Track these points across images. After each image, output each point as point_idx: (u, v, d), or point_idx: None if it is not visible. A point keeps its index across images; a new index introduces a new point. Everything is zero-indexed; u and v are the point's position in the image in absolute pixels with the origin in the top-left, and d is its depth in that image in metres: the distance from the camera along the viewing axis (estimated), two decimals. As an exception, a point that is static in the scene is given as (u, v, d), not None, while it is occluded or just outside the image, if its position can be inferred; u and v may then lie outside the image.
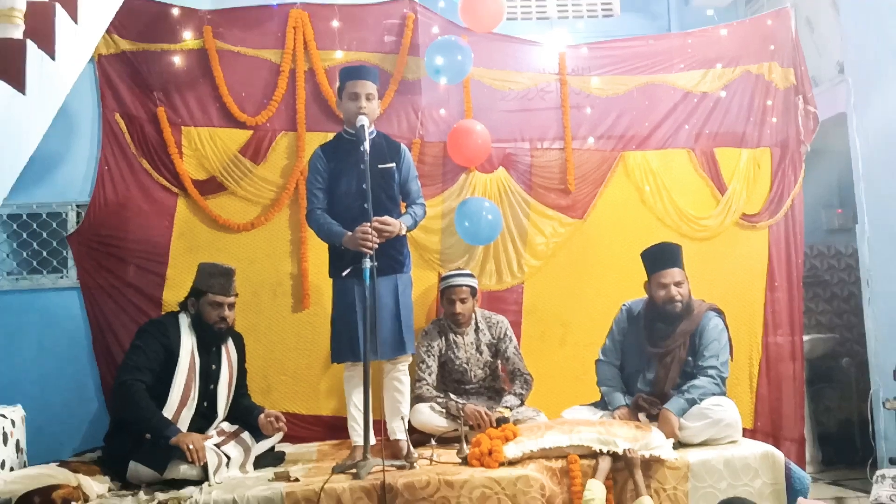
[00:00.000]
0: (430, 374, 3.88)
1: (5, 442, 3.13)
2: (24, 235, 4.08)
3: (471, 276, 3.99)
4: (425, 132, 4.34)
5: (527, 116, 4.47)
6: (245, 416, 3.54)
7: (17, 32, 2.24)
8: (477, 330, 3.99)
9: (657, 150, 4.54)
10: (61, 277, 4.07)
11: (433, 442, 3.65)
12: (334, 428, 4.02)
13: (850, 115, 4.35)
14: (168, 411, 3.23)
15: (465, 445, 3.31)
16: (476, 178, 4.36)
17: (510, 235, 4.36)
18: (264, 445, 3.51)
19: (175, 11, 4.16)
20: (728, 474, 3.26)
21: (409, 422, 3.55)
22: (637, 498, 3.10)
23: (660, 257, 3.69)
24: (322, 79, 4.24)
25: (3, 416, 3.18)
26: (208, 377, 3.44)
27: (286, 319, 4.17)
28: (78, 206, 4.10)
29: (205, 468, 3.05)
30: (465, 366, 3.94)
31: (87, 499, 2.93)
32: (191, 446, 3.03)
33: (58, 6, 2.43)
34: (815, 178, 4.82)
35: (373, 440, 3.22)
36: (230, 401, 3.56)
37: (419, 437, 3.67)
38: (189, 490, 2.97)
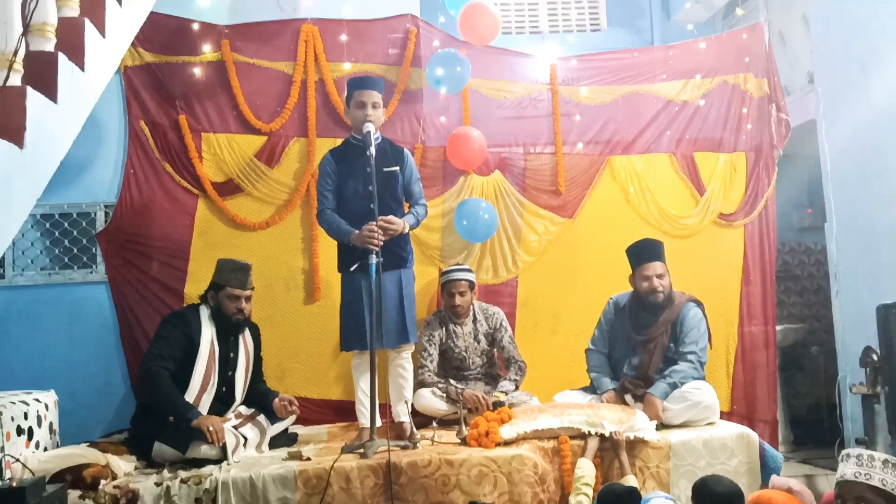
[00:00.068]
0: (431, 362, 3.88)
1: (39, 424, 3.13)
2: (56, 234, 4.08)
3: (469, 270, 3.99)
4: (427, 138, 4.34)
5: (521, 123, 4.46)
6: (261, 400, 3.55)
7: (50, 46, 2.23)
8: (475, 321, 3.99)
9: (641, 155, 4.53)
10: (90, 272, 4.07)
11: (434, 424, 3.65)
12: (343, 411, 4.01)
13: (819, 122, 4.34)
14: (190, 396, 3.24)
15: (463, 427, 3.32)
16: (474, 180, 4.35)
17: (505, 233, 4.36)
18: (279, 427, 3.51)
19: (195, 26, 4.14)
20: (707, 454, 3.27)
21: (413, 405, 3.55)
22: (623, 476, 3.11)
23: (643, 252, 3.71)
24: (331, 88, 4.23)
25: (38, 400, 3.18)
26: (227, 364, 3.44)
27: (298, 311, 4.17)
28: (106, 206, 4.09)
29: (224, 448, 3.05)
30: (463, 354, 3.94)
31: (115, 476, 2.94)
32: (211, 428, 3.04)
33: (87, 21, 2.43)
34: (787, 180, 4.82)
35: (379, 422, 3.22)
36: (247, 386, 3.56)
37: (421, 419, 3.67)
38: (209, 468, 2.98)
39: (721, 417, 3.57)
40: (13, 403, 2.96)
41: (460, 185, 4.35)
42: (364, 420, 3.34)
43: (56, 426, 3.36)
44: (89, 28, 2.44)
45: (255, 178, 4.16)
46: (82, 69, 2.39)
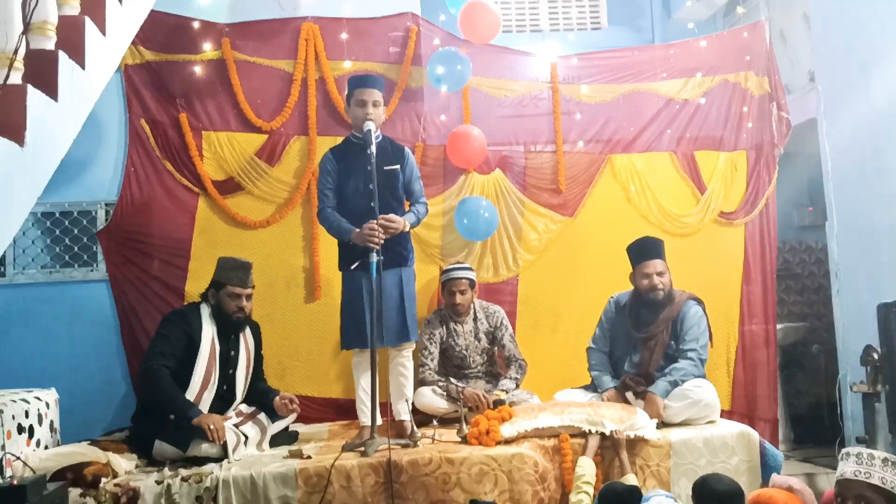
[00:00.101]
0: (432, 360, 3.87)
1: (40, 422, 3.13)
2: (57, 232, 4.07)
3: (469, 269, 3.99)
4: (427, 136, 4.33)
5: (521, 122, 4.46)
6: (262, 398, 3.54)
7: (50, 44, 2.23)
8: (475, 319, 3.99)
9: (642, 153, 4.53)
10: (91, 271, 4.07)
11: (435, 422, 3.65)
12: (344, 409, 4.02)
13: (820, 120, 4.34)
14: (190, 394, 3.23)
15: (464, 425, 3.32)
16: (474, 178, 4.35)
17: (506, 232, 4.36)
18: (279, 425, 3.51)
19: (195, 24, 4.14)
20: (707, 452, 3.26)
21: (413, 404, 3.55)
22: (623, 475, 3.11)
23: (643, 250, 3.71)
24: (332, 87, 4.23)
25: (38, 398, 3.18)
26: (227, 363, 3.43)
27: (299, 309, 4.17)
28: (107, 204, 4.09)
29: (224, 446, 3.05)
30: (464, 352, 3.94)
31: (115, 475, 2.94)
32: (211, 426, 3.03)
33: (87, 20, 2.42)
34: (787, 178, 4.81)
35: (379, 421, 3.22)
36: (248, 384, 3.55)
37: (422, 417, 3.68)
38: (210, 467, 2.98)
39: (721, 416, 3.57)
40: (14, 401, 2.96)
41: (461, 183, 4.35)
42: (365, 418, 3.34)
43: (57, 424, 3.36)
44: (90, 26, 2.44)
45: (256, 177, 4.16)
46: (83, 67, 2.39)
